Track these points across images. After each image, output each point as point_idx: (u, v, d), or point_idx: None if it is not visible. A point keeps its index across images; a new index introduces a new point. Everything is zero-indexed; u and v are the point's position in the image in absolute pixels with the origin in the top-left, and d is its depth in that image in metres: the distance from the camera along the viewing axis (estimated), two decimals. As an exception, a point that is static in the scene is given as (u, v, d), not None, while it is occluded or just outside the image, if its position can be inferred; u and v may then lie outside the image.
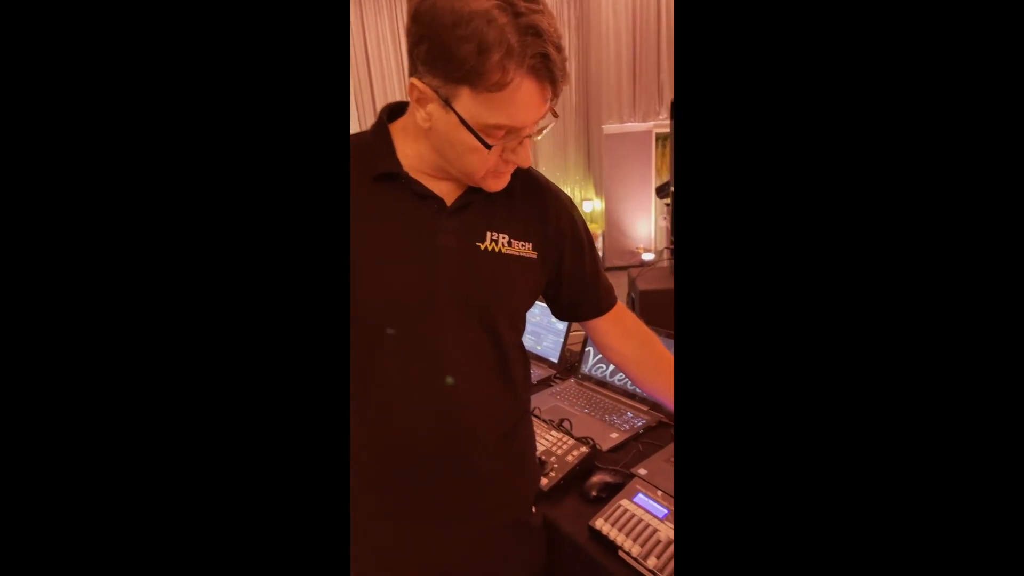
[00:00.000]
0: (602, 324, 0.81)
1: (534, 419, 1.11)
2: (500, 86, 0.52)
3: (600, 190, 5.40)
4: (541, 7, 0.53)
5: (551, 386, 1.33)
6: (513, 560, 0.77)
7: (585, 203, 5.62)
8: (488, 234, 0.66)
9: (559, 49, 0.54)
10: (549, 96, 0.57)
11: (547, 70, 0.54)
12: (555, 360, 1.43)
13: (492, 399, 0.72)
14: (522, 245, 0.68)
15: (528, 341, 1.54)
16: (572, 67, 5.35)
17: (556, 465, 0.96)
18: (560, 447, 1.00)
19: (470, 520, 0.73)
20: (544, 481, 0.94)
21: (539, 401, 1.24)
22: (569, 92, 5.39)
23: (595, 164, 5.48)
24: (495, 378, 0.72)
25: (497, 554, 0.75)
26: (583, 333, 1.38)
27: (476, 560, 0.74)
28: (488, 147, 0.57)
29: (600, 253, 5.28)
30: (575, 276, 0.75)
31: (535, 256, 0.70)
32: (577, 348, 1.43)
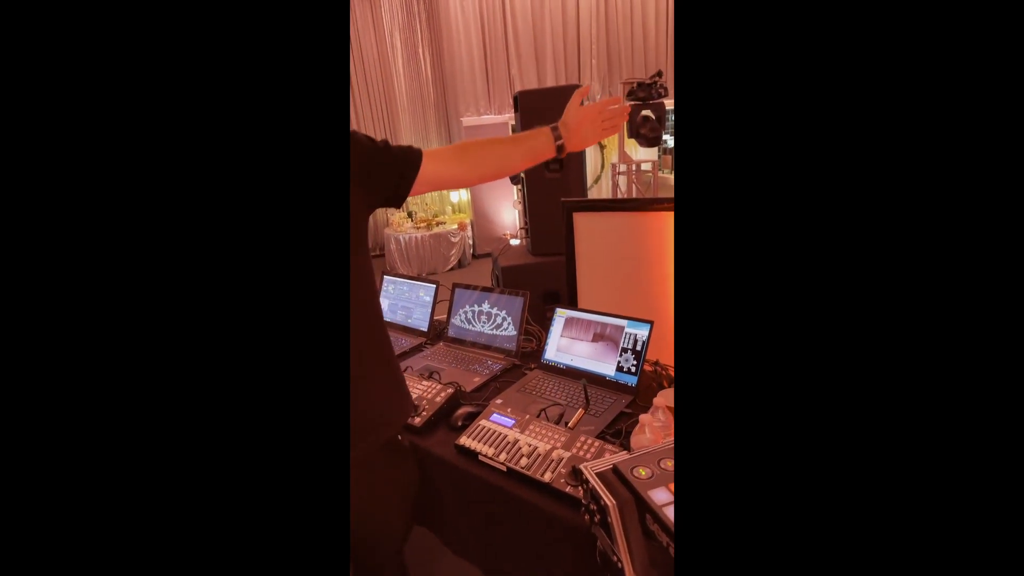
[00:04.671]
0: (429, 166, 0.86)
1: (408, 376, 1.28)
2: None
3: (465, 181, 5.62)
4: None
5: (423, 351, 1.50)
6: (391, 475, 0.94)
7: (452, 194, 5.82)
8: None
9: None
10: None
11: None
12: (425, 329, 1.60)
13: (362, 324, 0.81)
14: None
15: (399, 316, 1.69)
16: (427, 61, 5.48)
17: (427, 406, 1.14)
18: (430, 392, 1.18)
19: (354, 446, 0.85)
20: (418, 420, 1.11)
21: (413, 363, 1.41)
22: (427, 86, 5.52)
23: (458, 156, 5.69)
24: (366, 312, 0.82)
25: (377, 471, 0.90)
26: (447, 303, 1.57)
27: (361, 480, 0.88)
28: None
29: (470, 241, 5.52)
30: (376, 161, 0.80)
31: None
32: (442, 319, 1.62)
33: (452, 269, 5.25)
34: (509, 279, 2.46)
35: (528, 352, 1.42)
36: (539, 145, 0.94)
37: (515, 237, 5.41)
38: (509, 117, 5.21)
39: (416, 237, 5.12)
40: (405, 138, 5.53)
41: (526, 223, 2.69)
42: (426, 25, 5.40)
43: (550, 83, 5.18)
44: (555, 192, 2.47)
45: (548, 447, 0.95)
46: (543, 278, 2.43)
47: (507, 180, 5.24)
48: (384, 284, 1.74)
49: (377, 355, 0.89)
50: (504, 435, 1.01)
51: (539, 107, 2.40)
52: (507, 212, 5.52)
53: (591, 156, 5.00)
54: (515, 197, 5.32)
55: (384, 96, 5.39)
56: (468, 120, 5.15)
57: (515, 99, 2.45)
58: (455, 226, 5.36)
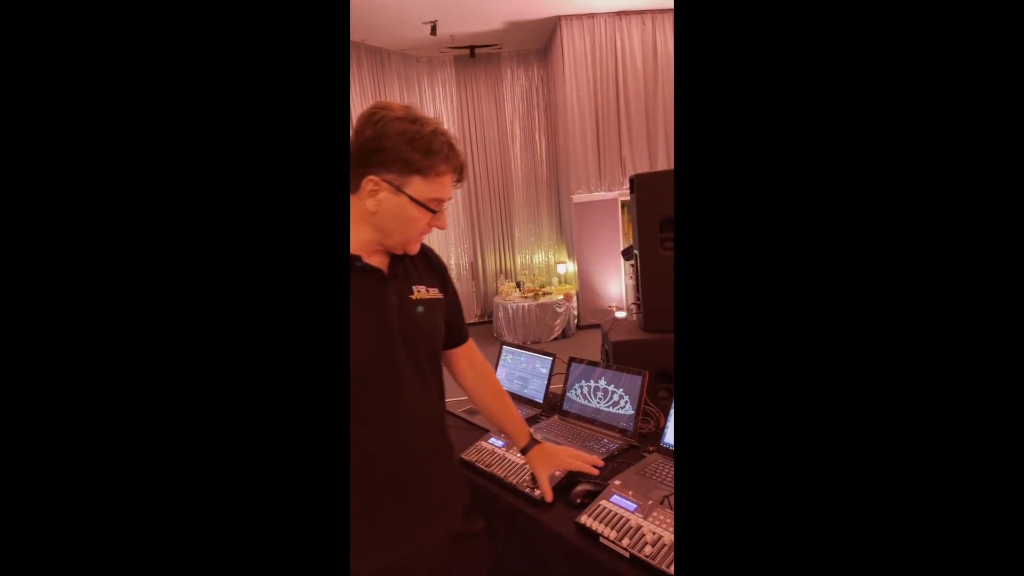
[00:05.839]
0: (459, 353, 1.12)
1: (526, 446, 1.32)
2: (441, 174, 0.86)
3: (572, 253, 5.78)
4: (447, 131, 0.88)
5: (538, 422, 1.54)
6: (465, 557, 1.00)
7: (559, 266, 5.99)
8: (415, 288, 0.96)
9: (461, 153, 0.91)
10: (455, 180, 0.92)
11: (461, 166, 0.90)
12: (540, 400, 1.64)
13: (443, 425, 1.00)
14: (429, 290, 0.99)
15: (515, 385, 1.76)
16: (543, 144, 5.91)
17: (546, 479, 1.16)
18: (549, 465, 1.20)
19: (426, 530, 0.94)
20: (537, 493, 1.13)
21: (528, 433, 1.44)
22: (541, 166, 5.92)
23: (567, 230, 5.91)
24: (440, 406, 1.00)
25: (451, 555, 0.98)
26: (563, 375, 1.61)
27: (437, 559, 0.96)
28: (433, 212, 0.88)
29: (575, 312, 5.57)
30: (452, 307, 1.06)
31: (442, 296, 1.01)
32: (558, 390, 1.65)
33: (556, 339, 5.30)
34: (620, 354, 2.44)
35: (645, 433, 1.39)
36: (516, 430, 1.14)
37: (620, 309, 5.38)
38: (619, 194, 5.35)
39: (523, 306, 5.29)
40: (517, 213, 5.91)
41: (638, 298, 2.69)
42: (543, 114, 5.88)
43: (661, 162, 5.28)
44: (670, 269, 2.46)
45: (673, 537, 0.92)
46: (656, 355, 2.37)
47: (618, 252, 5.31)
48: (503, 354, 1.84)
49: (444, 448, 1.03)
50: (627, 519, 0.99)
51: (654, 189, 2.47)
52: (613, 284, 5.53)
53: (703, 231, 4.91)
54: (625, 272, 5.34)
55: (502, 177, 5.88)
56: (579, 197, 5.37)
57: (631, 181, 2.55)
58: (561, 296, 5.46)
